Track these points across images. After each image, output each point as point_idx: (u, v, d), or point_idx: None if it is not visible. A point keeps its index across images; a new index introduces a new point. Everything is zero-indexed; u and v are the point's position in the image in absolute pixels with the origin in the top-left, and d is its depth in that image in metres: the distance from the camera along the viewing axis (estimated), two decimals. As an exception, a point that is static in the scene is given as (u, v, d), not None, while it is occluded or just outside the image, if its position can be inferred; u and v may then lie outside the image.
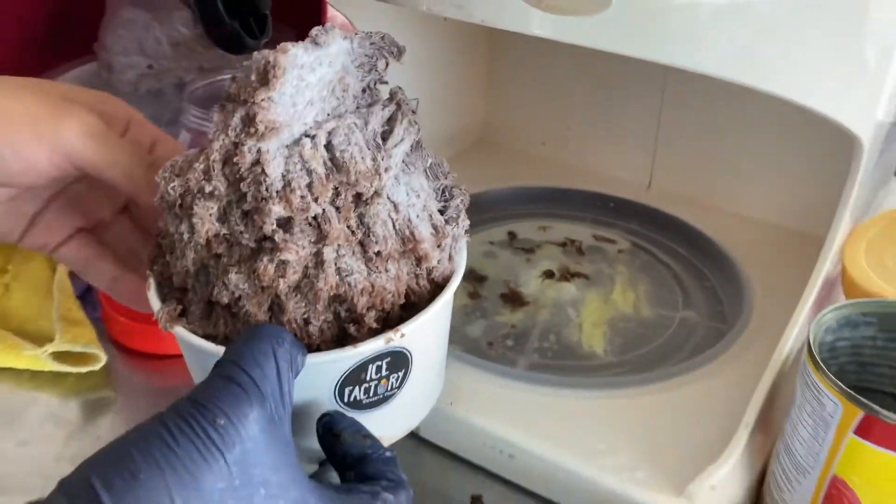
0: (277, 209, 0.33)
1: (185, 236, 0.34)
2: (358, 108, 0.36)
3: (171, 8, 0.63)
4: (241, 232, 0.34)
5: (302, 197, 0.33)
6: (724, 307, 0.59)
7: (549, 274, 0.62)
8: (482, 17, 0.44)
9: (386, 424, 0.38)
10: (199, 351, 0.34)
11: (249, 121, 0.32)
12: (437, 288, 0.37)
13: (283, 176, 0.33)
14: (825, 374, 0.37)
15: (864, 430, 0.36)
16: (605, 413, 0.48)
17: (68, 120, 0.36)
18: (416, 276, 0.37)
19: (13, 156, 0.35)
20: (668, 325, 0.57)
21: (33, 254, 0.60)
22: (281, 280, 0.33)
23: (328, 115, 0.35)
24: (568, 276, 0.62)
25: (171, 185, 0.34)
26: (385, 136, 0.36)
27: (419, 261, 0.36)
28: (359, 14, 0.58)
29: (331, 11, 0.56)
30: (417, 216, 0.36)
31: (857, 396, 0.36)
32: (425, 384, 0.39)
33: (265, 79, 0.32)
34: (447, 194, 0.39)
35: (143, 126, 0.40)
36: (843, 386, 0.36)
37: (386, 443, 0.39)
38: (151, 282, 0.37)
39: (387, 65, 0.37)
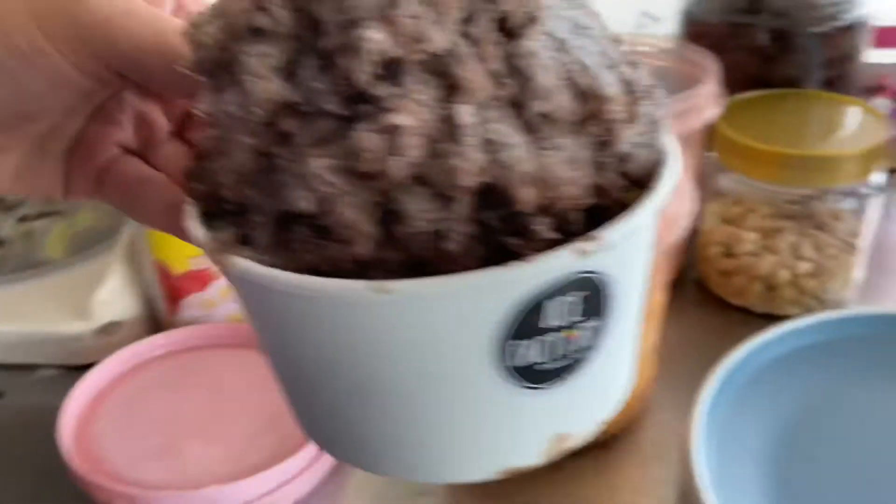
0: (377, 39, 0.20)
1: (234, 110, 0.21)
2: None
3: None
4: (321, 92, 0.21)
5: (414, 18, 0.20)
6: None
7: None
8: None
9: (571, 413, 0.24)
10: (272, 289, 0.21)
11: None
12: (635, 189, 0.23)
13: None
14: None
15: None
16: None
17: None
18: (601, 164, 0.23)
19: (23, 69, 0.24)
20: None
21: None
22: (394, 159, 0.20)
23: None
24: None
25: (206, 28, 0.21)
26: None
27: (604, 142, 0.23)
28: None
29: None
30: (595, 63, 0.23)
31: None
32: (629, 345, 0.25)
33: None
34: (626, 58, 0.25)
35: None
36: None
37: (571, 443, 0.25)
38: (190, 207, 0.24)
39: None
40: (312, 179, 0.20)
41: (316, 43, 0.21)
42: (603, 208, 0.22)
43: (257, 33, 0.21)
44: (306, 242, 0.21)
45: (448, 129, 0.20)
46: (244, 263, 0.21)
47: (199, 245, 0.23)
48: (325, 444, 0.26)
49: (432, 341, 0.21)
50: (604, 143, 0.23)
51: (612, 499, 0.47)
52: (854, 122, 0.61)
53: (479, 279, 0.20)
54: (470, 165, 0.20)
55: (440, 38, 0.20)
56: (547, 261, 0.20)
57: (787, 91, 0.65)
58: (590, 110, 0.22)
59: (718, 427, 0.43)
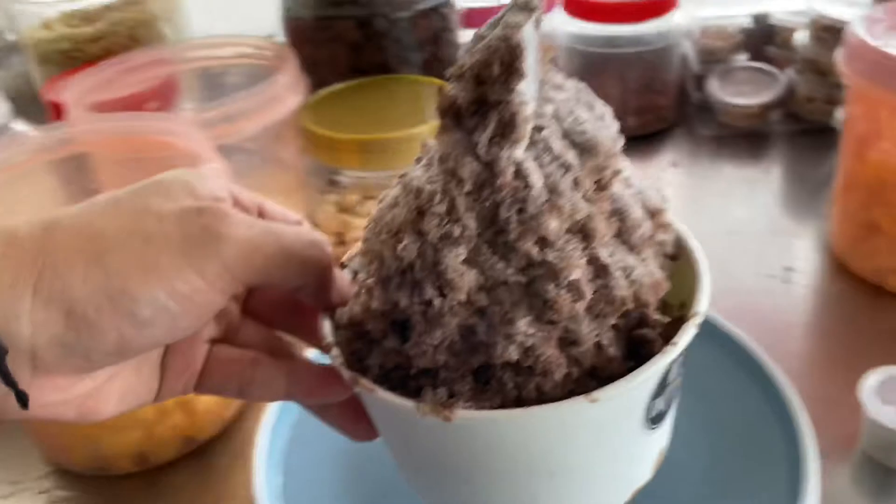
0: (553, 224, 0.26)
1: (436, 302, 0.26)
2: None
3: None
4: (501, 269, 0.27)
5: (567, 198, 0.27)
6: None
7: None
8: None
9: (665, 437, 0.33)
10: (517, 429, 0.27)
11: (505, 125, 0.25)
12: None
13: (544, 181, 0.26)
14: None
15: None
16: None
17: (220, 226, 0.26)
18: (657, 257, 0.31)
19: (184, 309, 0.26)
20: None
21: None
22: (580, 304, 0.27)
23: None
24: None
25: (402, 245, 0.26)
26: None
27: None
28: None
29: None
30: (642, 185, 0.31)
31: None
32: None
33: (512, 67, 0.25)
34: None
35: (247, 192, 0.31)
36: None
37: (663, 455, 0.33)
38: (366, 382, 0.29)
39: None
40: (517, 335, 0.26)
41: (491, 236, 0.27)
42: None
43: (450, 238, 0.26)
44: (510, 382, 0.27)
45: (596, 269, 0.28)
46: (476, 415, 0.27)
47: (397, 408, 0.28)
48: None
49: (615, 427, 0.29)
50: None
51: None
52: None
53: (652, 370, 0.28)
54: (627, 292, 0.27)
55: (583, 207, 0.27)
56: (683, 339, 0.28)
57: (378, 78, 0.66)
58: (657, 222, 0.30)
59: (288, 433, 0.43)
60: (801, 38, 0.75)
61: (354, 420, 0.32)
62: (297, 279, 0.29)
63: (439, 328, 0.27)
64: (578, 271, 0.27)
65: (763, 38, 0.81)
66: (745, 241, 0.64)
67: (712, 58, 0.80)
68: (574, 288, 0.27)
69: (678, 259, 0.32)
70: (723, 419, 0.42)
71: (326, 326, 0.30)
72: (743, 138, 0.78)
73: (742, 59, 0.80)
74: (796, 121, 0.78)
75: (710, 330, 0.43)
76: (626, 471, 0.31)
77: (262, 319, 0.33)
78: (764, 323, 0.54)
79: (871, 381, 0.44)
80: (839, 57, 0.55)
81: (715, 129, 0.79)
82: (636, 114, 0.79)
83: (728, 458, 0.41)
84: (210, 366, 0.31)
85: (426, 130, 0.55)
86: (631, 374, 0.27)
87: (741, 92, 0.77)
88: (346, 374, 0.29)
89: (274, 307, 0.33)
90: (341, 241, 0.59)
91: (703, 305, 0.29)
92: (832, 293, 0.58)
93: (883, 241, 0.55)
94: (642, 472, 0.32)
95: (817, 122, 0.75)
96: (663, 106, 0.80)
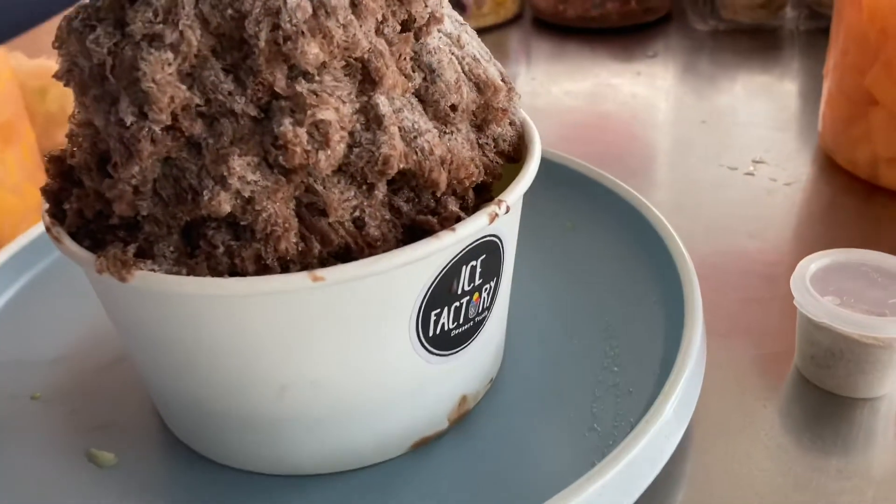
0: (312, 50, 0.20)
1: (130, 121, 0.20)
2: None
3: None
4: (229, 94, 0.20)
5: (343, 26, 0.20)
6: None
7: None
8: None
9: (470, 374, 0.26)
10: (185, 295, 0.20)
11: None
12: (506, 163, 0.26)
13: None
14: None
15: None
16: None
17: None
18: (482, 145, 0.25)
19: None
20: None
21: None
22: (322, 153, 0.20)
23: None
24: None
25: (94, 35, 0.20)
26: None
27: (483, 123, 0.25)
28: None
29: None
30: (481, 56, 0.24)
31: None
32: (506, 305, 0.27)
33: None
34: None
35: None
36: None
37: (470, 403, 0.27)
38: (57, 227, 0.22)
39: None
40: (233, 179, 0.20)
41: (227, 55, 0.20)
42: (484, 184, 0.25)
43: (160, 42, 0.19)
44: (221, 247, 0.21)
45: (368, 120, 0.21)
46: (155, 276, 0.20)
47: (80, 262, 0.21)
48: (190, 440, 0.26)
49: (360, 325, 0.22)
50: (481, 124, 0.24)
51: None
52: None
53: (411, 254, 0.21)
54: (397, 153, 0.21)
55: (363, 41, 0.20)
56: (468, 227, 0.21)
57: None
58: (485, 100, 0.24)
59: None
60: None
61: None
62: None
63: (137, 161, 0.20)
64: (332, 113, 0.20)
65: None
66: (720, 132, 0.49)
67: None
68: (320, 131, 0.20)
69: (518, 161, 0.26)
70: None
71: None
72: (747, 35, 0.63)
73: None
74: (815, 17, 0.63)
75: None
76: (390, 407, 0.24)
77: None
78: (710, 216, 0.41)
79: (811, 267, 0.29)
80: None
81: (714, 23, 0.65)
82: (618, 1, 0.66)
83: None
84: None
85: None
86: (377, 256, 0.21)
87: (749, -21, 0.63)
88: (45, 219, 0.23)
89: None
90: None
91: (511, 198, 0.23)
92: (811, 191, 0.43)
93: (878, 117, 0.41)
94: (424, 415, 0.25)
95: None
96: (652, -8, 0.66)
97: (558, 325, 0.30)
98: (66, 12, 0.21)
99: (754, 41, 0.62)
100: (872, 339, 0.26)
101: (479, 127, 0.24)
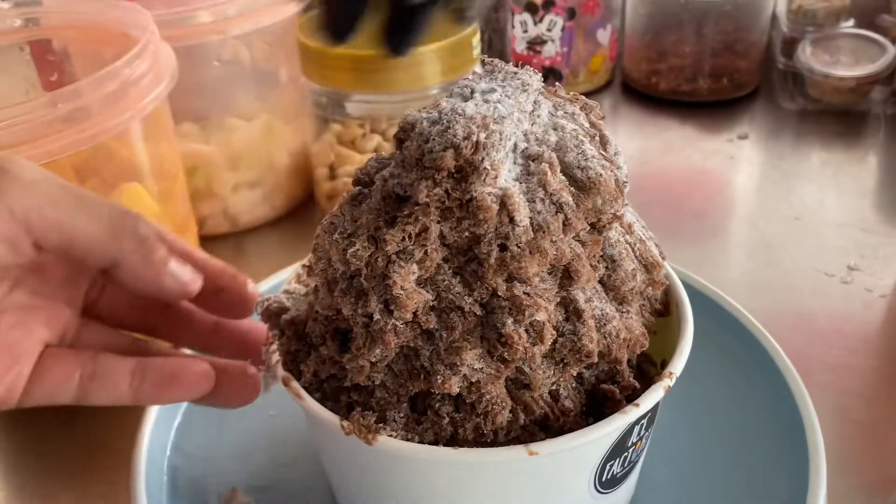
0: (532, 269, 0.24)
1: (377, 316, 0.24)
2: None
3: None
4: (459, 294, 0.24)
5: (554, 241, 0.24)
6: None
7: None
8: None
9: (622, 501, 0.30)
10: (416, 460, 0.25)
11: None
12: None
13: (532, 219, 0.24)
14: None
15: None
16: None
17: (2, 162, 0.24)
18: (641, 308, 0.29)
19: None
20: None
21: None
22: (537, 348, 0.24)
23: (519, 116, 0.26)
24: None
25: (354, 249, 0.24)
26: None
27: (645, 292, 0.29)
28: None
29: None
30: (644, 236, 0.28)
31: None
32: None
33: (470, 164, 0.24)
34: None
35: None
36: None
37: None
38: (295, 386, 0.27)
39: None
40: (463, 367, 0.24)
41: (456, 262, 0.24)
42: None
43: (409, 258, 0.24)
44: (447, 417, 0.25)
45: (568, 313, 0.25)
46: (397, 444, 0.25)
47: (322, 421, 0.26)
48: None
49: (554, 481, 0.26)
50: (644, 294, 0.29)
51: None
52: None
53: (605, 428, 0.25)
54: (594, 343, 0.25)
55: (569, 254, 0.25)
56: (648, 400, 0.26)
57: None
58: (651, 278, 0.28)
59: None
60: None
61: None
62: (105, 249, 0.25)
63: (380, 345, 0.24)
64: (544, 313, 0.24)
65: (878, 4, 0.67)
66: (812, 232, 0.51)
67: (808, 20, 0.66)
68: (535, 329, 0.24)
69: (667, 316, 0.30)
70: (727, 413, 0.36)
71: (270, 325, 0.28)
72: (834, 116, 0.64)
73: (846, 25, 0.66)
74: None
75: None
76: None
77: (112, 321, 0.30)
78: (811, 328, 0.43)
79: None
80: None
81: (801, 102, 0.66)
82: (710, 76, 0.68)
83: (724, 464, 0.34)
84: (43, 365, 0.26)
85: (431, 50, 0.48)
86: (579, 431, 0.25)
87: (838, 62, 0.64)
88: (281, 373, 0.27)
89: (125, 307, 0.30)
90: (332, 175, 0.54)
91: (678, 368, 0.27)
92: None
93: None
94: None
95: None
96: (743, 70, 0.68)
97: (685, 449, 0.34)
98: (324, 220, 0.26)
99: (840, 123, 0.64)
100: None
101: (642, 294, 0.29)
